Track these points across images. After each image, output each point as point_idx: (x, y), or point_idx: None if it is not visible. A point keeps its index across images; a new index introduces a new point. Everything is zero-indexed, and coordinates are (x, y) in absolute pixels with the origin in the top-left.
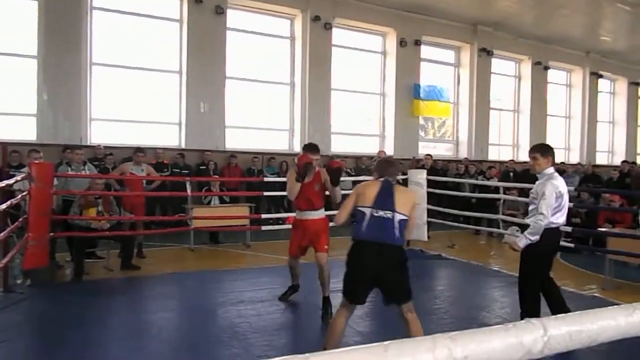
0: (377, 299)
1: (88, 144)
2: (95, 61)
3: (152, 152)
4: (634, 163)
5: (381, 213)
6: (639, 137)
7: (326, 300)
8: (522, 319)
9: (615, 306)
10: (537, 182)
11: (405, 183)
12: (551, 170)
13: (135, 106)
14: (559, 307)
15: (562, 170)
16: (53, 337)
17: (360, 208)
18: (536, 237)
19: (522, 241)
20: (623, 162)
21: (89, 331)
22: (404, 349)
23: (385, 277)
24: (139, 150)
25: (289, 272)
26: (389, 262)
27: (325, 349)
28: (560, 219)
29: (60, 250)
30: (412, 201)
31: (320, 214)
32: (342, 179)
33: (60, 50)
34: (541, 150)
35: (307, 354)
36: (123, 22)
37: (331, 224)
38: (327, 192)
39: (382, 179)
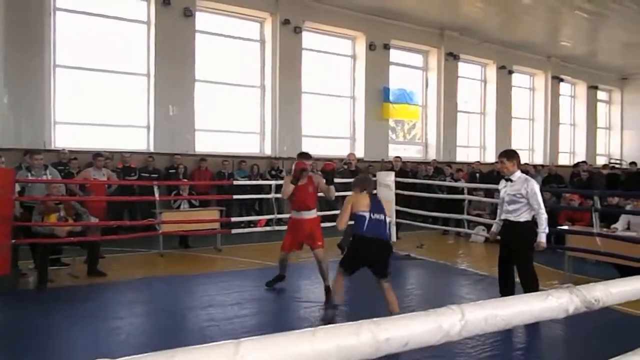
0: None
1: (52, 148)
2: (59, 63)
3: (119, 156)
4: (585, 162)
5: (377, 216)
6: (598, 139)
7: (328, 289)
8: None
9: (532, 292)
10: (514, 184)
11: (374, 185)
12: (519, 172)
13: (101, 109)
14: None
15: (525, 170)
16: (16, 347)
17: (360, 213)
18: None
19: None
20: (582, 162)
21: (53, 339)
22: (331, 334)
23: (379, 262)
24: (98, 155)
25: (279, 264)
26: (383, 252)
27: (335, 303)
28: None
29: (23, 257)
30: (389, 207)
31: (313, 213)
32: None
33: (22, 52)
34: (507, 155)
35: (241, 339)
36: (88, 24)
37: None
38: (320, 194)
39: (366, 192)
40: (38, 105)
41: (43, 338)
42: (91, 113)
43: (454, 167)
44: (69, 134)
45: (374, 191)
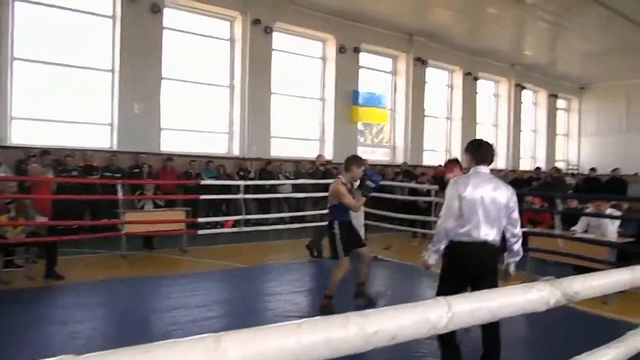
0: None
1: (8, 144)
2: (18, 56)
3: (80, 154)
4: (538, 168)
5: None
6: (557, 145)
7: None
8: None
9: (515, 285)
10: None
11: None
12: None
13: (62, 105)
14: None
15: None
16: None
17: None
18: (437, 246)
19: (427, 254)
20: (536, 168)
21: (5, 344)
22: (317, 326)
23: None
24: (45, 152)
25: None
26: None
27: None
28: (473, 231)
29: None
30: (330, 192)
31: None
32: (282, 182)
33: None
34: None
35: (221, 333)
36: (50, 16)
37: None
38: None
39: None
40: None
41: None
42: (52, 109)
43: (420, 170)
44: (28, 130)
45: None
